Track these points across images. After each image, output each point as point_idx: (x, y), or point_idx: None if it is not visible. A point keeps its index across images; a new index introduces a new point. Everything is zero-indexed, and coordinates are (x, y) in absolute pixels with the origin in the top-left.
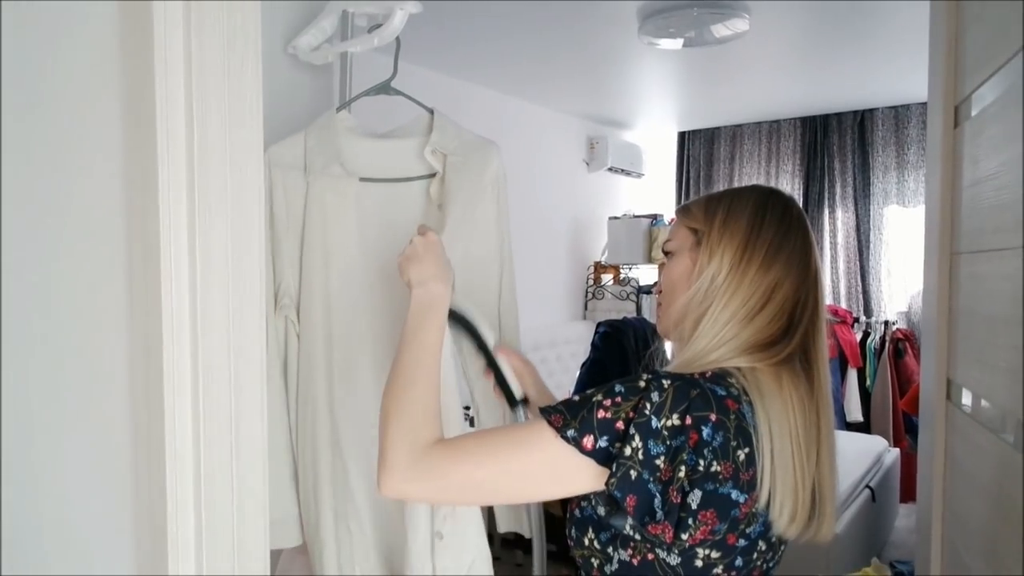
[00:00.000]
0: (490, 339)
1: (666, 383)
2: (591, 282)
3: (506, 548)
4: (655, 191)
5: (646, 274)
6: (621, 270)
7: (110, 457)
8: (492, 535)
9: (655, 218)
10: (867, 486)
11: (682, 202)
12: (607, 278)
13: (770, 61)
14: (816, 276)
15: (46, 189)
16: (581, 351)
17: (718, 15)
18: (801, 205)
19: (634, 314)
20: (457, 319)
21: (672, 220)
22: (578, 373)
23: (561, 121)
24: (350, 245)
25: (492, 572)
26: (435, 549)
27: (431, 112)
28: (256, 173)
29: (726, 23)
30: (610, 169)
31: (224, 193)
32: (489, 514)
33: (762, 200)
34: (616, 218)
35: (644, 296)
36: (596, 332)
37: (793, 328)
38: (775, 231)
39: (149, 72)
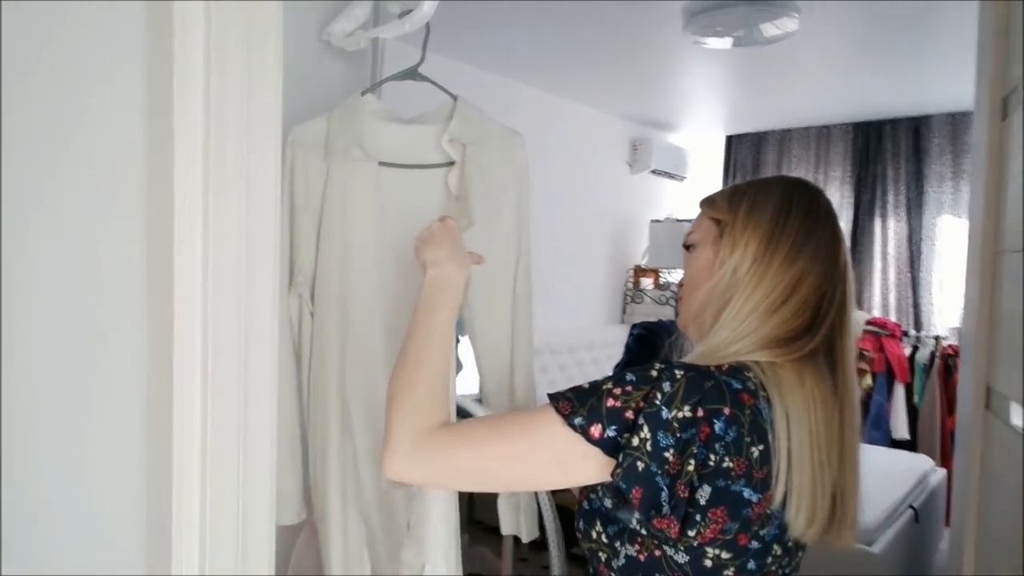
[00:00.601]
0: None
1: (679, 374)
2: (630, 285)
3: (534, 550)
4: (699, 195)
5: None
6: (661, 274)
7: (121, 433)
8: (518, 538)
9: None
10: (910, 506)
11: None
12: (647, 282)
13: (821, 63)
14: (844, 271)
15: (66, 164)
16: (618, 354)
17: (767, 13)
18: (852, 214)
19: (671, 318)
20: None
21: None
22: None
23: (605, 121)
24: (368, 228)
25: None
26: (403, 541)
27: (454, 99)
28: (273, 152)
29: (775, 22)
30: (653, 171)
31: (240, 170)
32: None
33: (788, 191)
34: (658, 221)
35: None
36: (630, 334)
37: (818, 323)
38: (801, 223)
39: (169, 56)
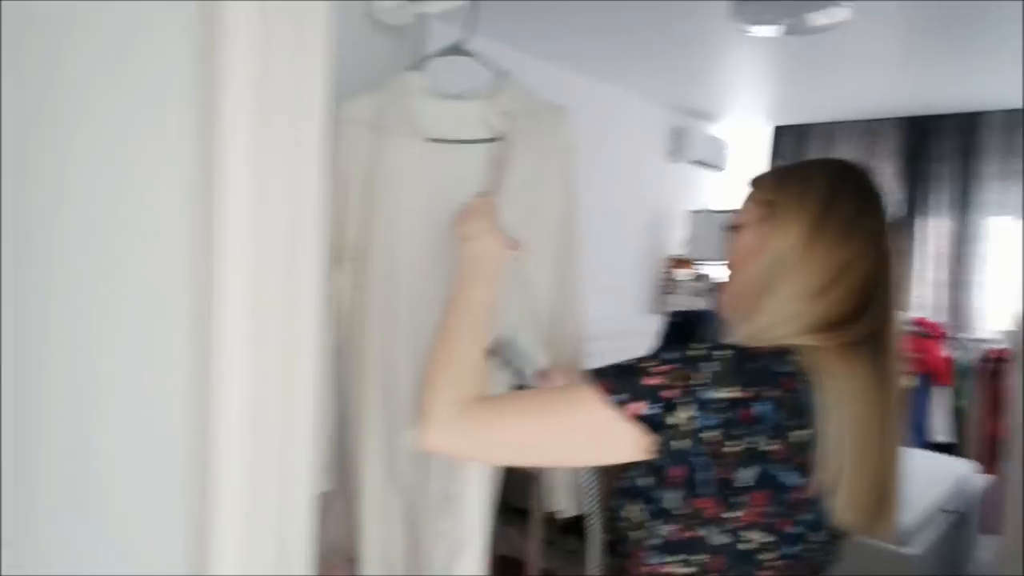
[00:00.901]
0: (535, 366)
1: (722, 354)
2: (665, 275)
3: (560, 533)
4: (738, 187)
5: (722, 272)
6: (696, 266)
7: (164, 402)
8: (550, 518)
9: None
10: (949, 510)
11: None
12: (681, 272)
13: (870, 54)
14: (894, 257)
15: (120, 131)
16: (650, 343)
17: (817, 2)
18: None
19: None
20: (499, 352)
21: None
22: None
23: (644, 108)
24: (414, 203)
25: (479, 554)
26: (438, 513)
27: (502, 74)
28: (319, 129)
29: (826, 11)
30: (692, 161)
31: (286, 147)
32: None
33: (839, 173)
34: (696, 212)
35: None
36: (666, 321)
37: (865, 310)
38: (851, 206)
39: (218, 34)
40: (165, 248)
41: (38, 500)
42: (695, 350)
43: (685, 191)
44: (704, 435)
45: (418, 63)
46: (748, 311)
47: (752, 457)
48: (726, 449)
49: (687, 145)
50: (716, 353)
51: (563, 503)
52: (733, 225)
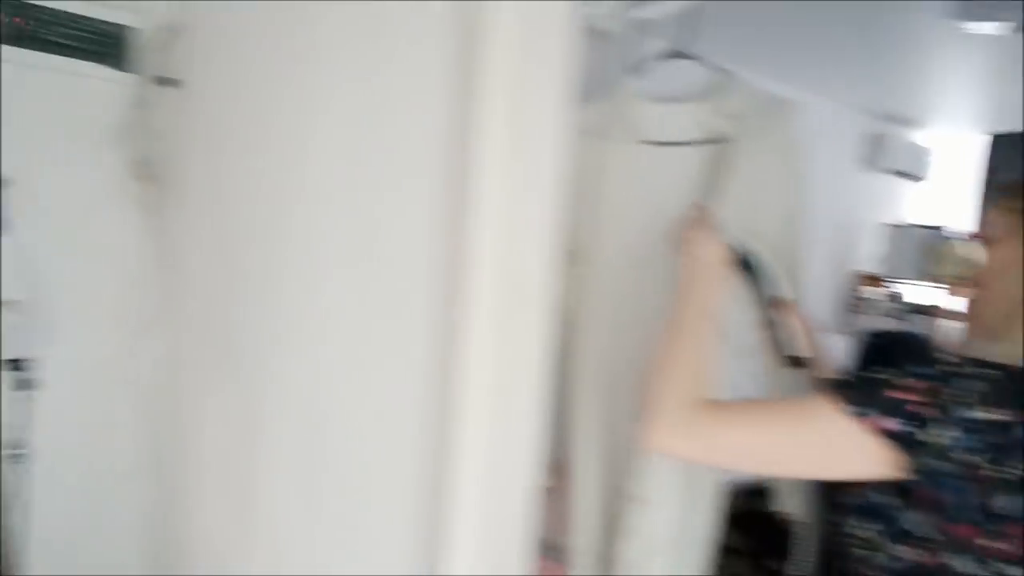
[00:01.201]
0: (775, 290)
1: (986, 372)
2: (853, 294)
3: (728, 556)
4: (941, 200)
5: (920, 293)
6: (890, 284)
7: (411, 388)
8: (727, 544)
9: (942, 230)
10: None
11: (981, 215)
12: (871, 291)
13: None
14: None
15: (375, 129)
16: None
17: None
18: None
19: (907, 330)
20: (744, 265)
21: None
22: None
23: (837, 113)
24: (631, 206)
25: (675, 562)
26: (628, 512)
27: (726, 74)
28: (560, 136)
29: None
30: (890, 171)
31: (530, 154)
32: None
33: None
34: (894, 226)
35: (914, 316)
36: (862, 341)
37: None
38: None
39: (478, 43)
40: (417, 242)
41: (273, 468)
42: (948, 365)
43: (881, 203)
44: (963, 457)
45: (635, 67)
46: (1001, 330)
47: (1017, 486)
48: (986, 473)
49: (885, 153)
50: (977, 371)
51: (791, 506)
52: (983, 238)
